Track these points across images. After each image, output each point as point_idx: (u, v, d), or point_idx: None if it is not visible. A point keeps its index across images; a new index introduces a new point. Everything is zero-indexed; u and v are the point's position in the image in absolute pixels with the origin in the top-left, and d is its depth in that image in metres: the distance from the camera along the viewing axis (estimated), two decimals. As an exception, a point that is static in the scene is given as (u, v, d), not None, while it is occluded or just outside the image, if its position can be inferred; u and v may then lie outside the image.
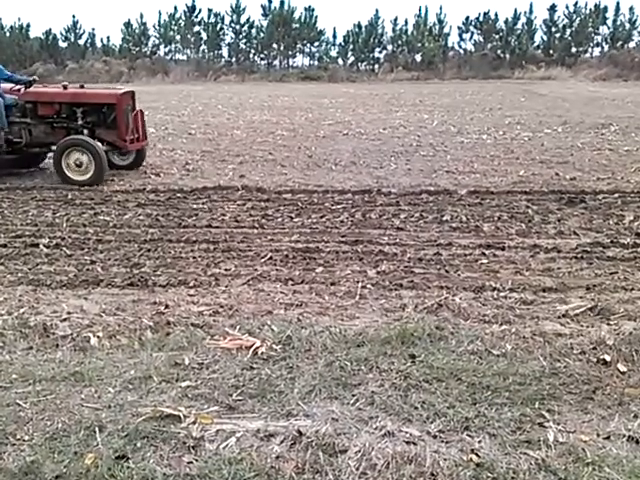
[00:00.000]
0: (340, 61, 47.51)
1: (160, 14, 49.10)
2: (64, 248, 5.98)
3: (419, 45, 45.52)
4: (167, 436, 2.92)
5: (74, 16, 51.18)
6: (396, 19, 46.58)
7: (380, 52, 47.34)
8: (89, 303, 4.67)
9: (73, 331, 4.10)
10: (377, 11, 47.12)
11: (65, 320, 4.31)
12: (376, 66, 46.86)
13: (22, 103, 9.58)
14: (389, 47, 47.01)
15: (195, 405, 3.19)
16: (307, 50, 48.29)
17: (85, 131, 9.38)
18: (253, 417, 3.10)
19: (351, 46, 46.87)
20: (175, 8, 47.73)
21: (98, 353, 3.80)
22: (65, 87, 9.68)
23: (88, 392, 3.32)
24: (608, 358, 3.64)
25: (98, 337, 4.00)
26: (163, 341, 3.94)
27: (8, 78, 9.90)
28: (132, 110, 9.60)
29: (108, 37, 51.04)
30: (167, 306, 4.55)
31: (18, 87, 9.76)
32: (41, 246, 6.02)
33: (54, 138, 9.50)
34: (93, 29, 51.05)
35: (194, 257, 5.71)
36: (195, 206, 7.69)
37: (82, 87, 10.02)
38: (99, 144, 9.08)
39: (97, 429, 2.96)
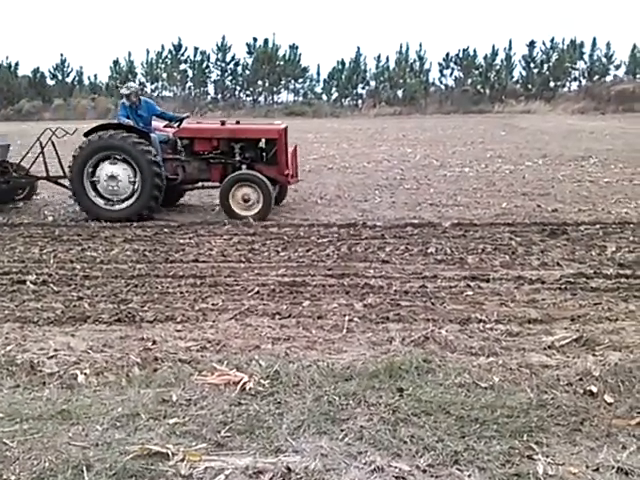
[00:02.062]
0: (324, 97, 48.17)
1: (148, 52, 49.64)
2: (51, 285, 5.96)
3: (401, 81, 46.29)
4: (155, 474, 2.89)
5: (62, 54, 51.55)
6: (379, 56, 47.49)
7: (363, 88, 48.14)
8: (76, 340, 4.64)
9: (60, 368, 4.07)
10: (359, 48, 47.88)
11: (52, 357, 4.28)
12: (359, 101, 47.55)
13: (174, 139, 9.51)
14: (372, 83, 47.81)
15: (183, 442, 3.17)
16: (292, 86, 48.96)
17: (243, 167, 9.27)
18: (242, 454, 3.08)
19: (335, 82, 47.60)
20: (162, 47, 48.16)
21: (85, 390, 3.77)
22: (223, 123, 9.61)
23: (75, 430, 3.29)
24: (595, 389, 3.67)
25: (85, 374, 3.98)
26: (150, 377, 3.92)
27: (160, 115, 9.96)
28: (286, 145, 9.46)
29: (95, 75, 51.36)
30: (154, 342, 4.53)
31: (171, 124, 9.76)
32: (28, 283, 5.99)
33: (209, 175, 9.45)
34: (81, 67, 51.56)
35: (181, 292, 5.71)
36: (182, 241, 7.71)
37: (238, 122, 9.95)
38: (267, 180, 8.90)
39: (85, 468, 2.93)
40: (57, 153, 9.87)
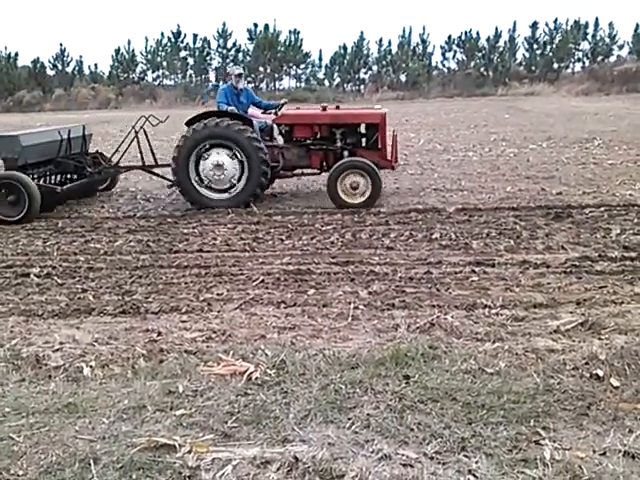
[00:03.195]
0: (326, 82, 47.88)
1: (147, 40, 49.40)
2: (55, 277, 5.97)
3: (403, 65, 45.97)
4: (163, 466, 2.90)
5: (61, 44, 51.45)
6: (381, 40, 47.08)
7: (365, 73, 47.80)
8: (81, 332, 4.65)
9: (66, 361, 4.08)
10: (362, 33, 47.45)
11: (57, 350, 4.29)
12: (362, 86, 47.26)
13: (270, 126, 9.46)
14: (374, 68, 47.45)
15: (190, 434, 3.17)
16: (293, 72, 48.67)
17: (345, 153, 9.20)
18: (249, 444, 3.08)
19: (337, 67, 47.28)
20: (162, 34, 47.86)
21: (91, 383, 3.78)
22: (324, 108, 9.47)
23: (82, 423, 3.30)
24: (601, 373, 3.66)
25: (91, 367, 3.99)
26: (156, 369, 3.93)
27: (257, 103, 9.87)
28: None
29: (96, 64, 50.92)
30: (160, 333, 4.54)
31: (269, 111, 9.69)
32: (32, 276, 6.00)
33: (308, 161, 9.34)
34: (81, 57, 51.12)
35: (186, 283, 5.71)
36: (185, 231, 7.70)
37: (338, 108, 9.81)
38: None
39: (92, 461, 2.94)
40: (149, 142, 9.74)
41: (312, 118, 9.36)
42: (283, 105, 9.69)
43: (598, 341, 4.16)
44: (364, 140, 9.30)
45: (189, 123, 8.96)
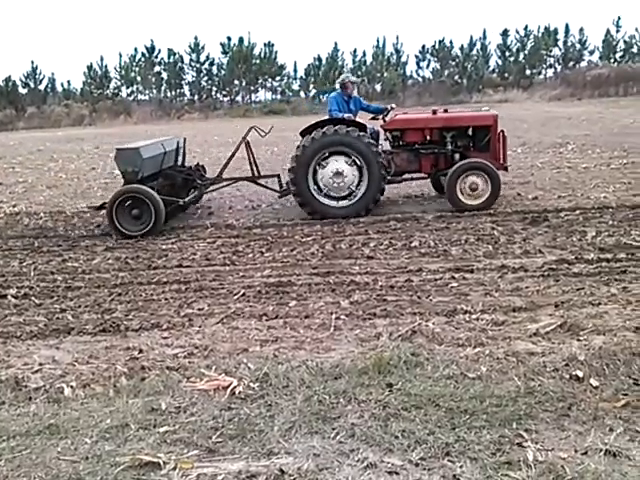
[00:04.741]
0: (302, 94, 48.04)
1: (120, 56, 49.20)
2: (33, 297, 5.90)
3: (379, 75, 46.33)
4: (148, 484, 2.88)
5: (33, 62, 51.05)
6: (355, 51, 47.44)
7: (341, 83, 47.99)
8: (61, 353, 4.60)
9: (46, 382, 4.04)
10: (336, 44, 47.78)
11: (37, 372, 4.24)
12: (338, 97, 47.44)
13: (377, 132, 9.33)
14: (349, 78, 47.70)
15: (174, 450, 3.15)
16: (269, 85, 48.77)
17: (456, 156, 9.11)
18: (234, 458, 3.07)
19: (312, 79, 47.48)
20: (135, 50, 47.79)
21: (72, 404, 3.74)
22: (434, 112, 9.36)
23: (64, 445, 3.26)
24: (581, 374, 3.71)
25: (72, 387, 3.95)
26: (138, 387, 3.90)
27: (365, 108, 9.76)
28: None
29: (69, 81, 50.80)
30: (141, 351, 4.50)
31: (377, 117, 9.60)
32: (9, 297, 5.92)
33: (418, 166, 9.24)
34: (53, 74, 50.84)
35: (166, 299, 5.68)
36: (164, 246, 7.67)
37: (446, 111, 9.67)
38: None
39: (75, 482, 2.90)
40: (252, 153, 9.61)
41: (424, 122, 9.31)
42: (389, 110, 9.65)
43: (577, 342, 4.21)
44: (475, 142, 9.26)
45: (304, 133, 8.94)
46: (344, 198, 8.78)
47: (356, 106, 9.61)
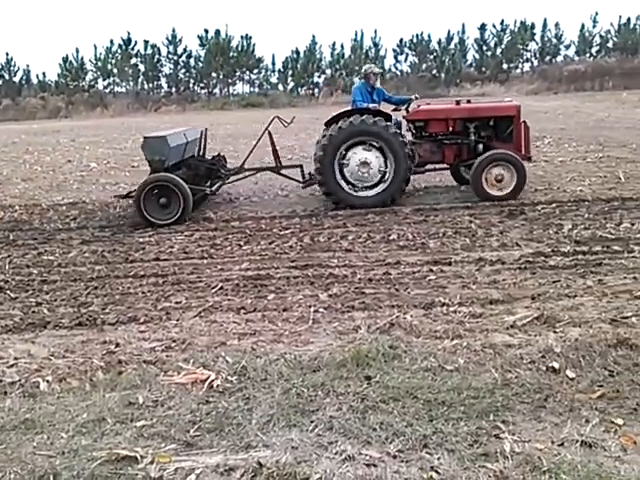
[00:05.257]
0: (280, 87, 47.86)
1: (96, 48, 48.55)
2: (8, 291, 5.81)
3: (357, 68, 46.28)
4: (125, 479, 2.85)
5: (7, 53, 50.23)
6: (333, 44, 47.36)
7: (319, 77, 47.95)
8: (37, 347, 4.54)
9: (21, 377, 3.98)
10: (314, 37, 47.80)
11: (13, 366, 4.18)
12: (316, 90, 47.39)
13: (399, 122, 9.25)
14: (328, 71, 47.65)
15: (152, 444, 3.13)
16: (247, 77, 48.51)
17: (479, 146, 9.09)
18: (212, 452, 3.06)
19: (290, 72, 47.32)
20: (111, 41, 47.13)
21: (48, 398, 3.69)
22: (458, 102, 9.35)
23: (40, 439, 3.22)
24: (557, 365, 3.75)
25: (48, 381, 3.90)
26: (115, 381, 3.86)
27: (388, 99, 9.71)
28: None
29: (44, 73, 49.99)
30: (118, 344, 4.46)
31: (399, 108, 9.54)
32: (-17, 291, 5.83)
33: (441, 156, 9.23)
34: (28, 65, 50.08)
35: (143, 292, 5.63)
36: (141, 240, 7.60)
37: (469, 102, 9.65)
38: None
39: (52, 477, 2.87)
40: (273, 143, 9.51)
41: (447, 113, 9.33)
42: (412, 100, 9.66)
43: (553, 334, 4.25)
44: (498, 133, 9.29)
45: (328, 123, 8.94)
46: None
47: (379, 97, 9.64)
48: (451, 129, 9.25)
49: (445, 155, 9.29)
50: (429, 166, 9.57)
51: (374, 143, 8.68)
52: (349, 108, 9.26)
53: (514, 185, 8.65)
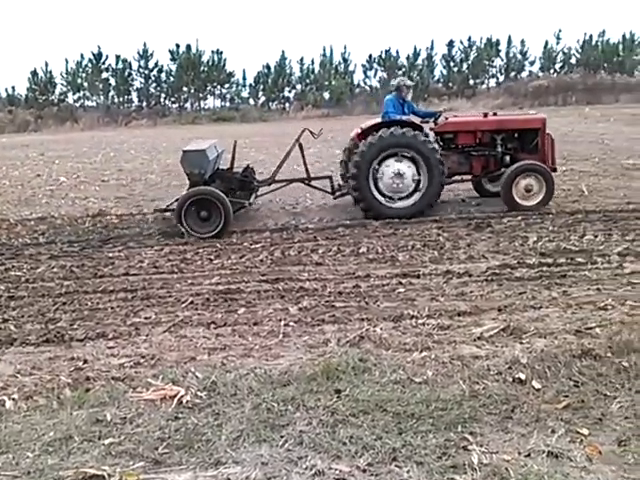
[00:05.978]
0: (251, 101, 47.90)
1: (67, 62, 48.00)
2: (-28, 308, 5.70)
3: (326, 83, 46.59)
4: (92, 498, 2.82)
5: (-25, 68, 49.33)
6: (302, 59, 47.55)
7: (290, 91, 48.10)
8: (3, 364, 4.47)
9: (-14, 396, 3.91)
10: (283, 52, 47.77)
11: (-23, 385, 4.10)
12: (287, 105, 47.54)
13: (427, 134, 9.17)
14: (298, 86, 47.85)
15: (120, 462, 3.10)
16: (218, 92, 48.44)
17: (506, 158, 9.15)
18: (181, 469, 3.04)
19: (261, 86, 47.40)
20: (82, 56, 46.61)
21: (14, 416, 3.63)
22: (486, 115, 9.41)
23: (5, 459, 3.17)
24: (523, 376, 3.81)
25: (14, 399, 3.84)
26: (83, 398, 3.82)
27: (416, 112, 9.72)
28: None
29: (13, 87, 49.02)
30: (86, 361, 4.41)
31: (426, 121, 9.52)
32: (-54, 308, 5.71)
33: (468, 168, 9.28)
34: (-5, 79, 49.20)
35: (112, 307, 5.57)
36: (111, 254, 7.53)
37: (495, 114, 9.69)
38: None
39: (16, 498, 2.82)
40: (303, 155, 9.54)
41: (476, 125, 9.46)
42: (440, 114, 9.78)
43: (520, 345, 4.33)
44: (524, 144, 9.43)
45: (365, 133, 9.05)
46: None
47: (409, 110, 9.77)
48: (479, 141, 9.43)
49: (472, 166, 9.47)
50: (457, 177, 9.73)
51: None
52: (379, 120, 9.41)
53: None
